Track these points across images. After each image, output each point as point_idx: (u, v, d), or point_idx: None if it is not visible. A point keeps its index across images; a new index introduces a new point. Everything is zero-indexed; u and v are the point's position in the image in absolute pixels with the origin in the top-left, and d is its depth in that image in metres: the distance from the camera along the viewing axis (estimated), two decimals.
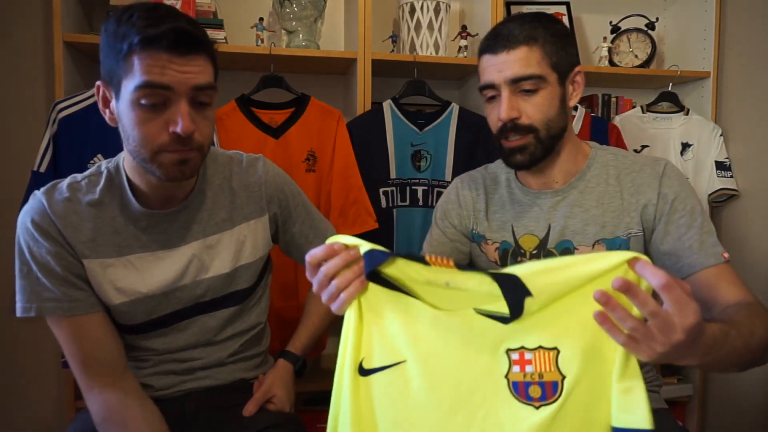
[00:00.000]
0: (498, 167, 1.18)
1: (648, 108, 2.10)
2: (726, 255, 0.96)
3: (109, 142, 1.48)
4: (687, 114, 2.07)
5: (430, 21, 1.81)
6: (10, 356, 1.80)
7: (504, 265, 1.10)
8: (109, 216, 0.99)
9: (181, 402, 1.06)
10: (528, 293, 0.68)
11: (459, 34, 1.93)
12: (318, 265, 0.75)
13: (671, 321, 0.63)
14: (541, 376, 0.72)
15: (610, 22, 2.13)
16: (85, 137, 1.51)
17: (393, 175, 1.77)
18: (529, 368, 0.72)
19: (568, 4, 2.11)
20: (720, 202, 2.04)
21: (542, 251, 1.06)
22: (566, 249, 1.05)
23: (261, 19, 1.79)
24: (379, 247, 0.73)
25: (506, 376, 0.73)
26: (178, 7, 1.58)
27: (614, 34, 2.10)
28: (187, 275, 1.03)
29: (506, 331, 0.73)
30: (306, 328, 1.21)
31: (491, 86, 1.02)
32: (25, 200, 1.00)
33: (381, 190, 1.77)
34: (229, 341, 1.10)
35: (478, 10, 2.01)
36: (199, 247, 1.04)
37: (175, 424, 1.02)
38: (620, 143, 1.95)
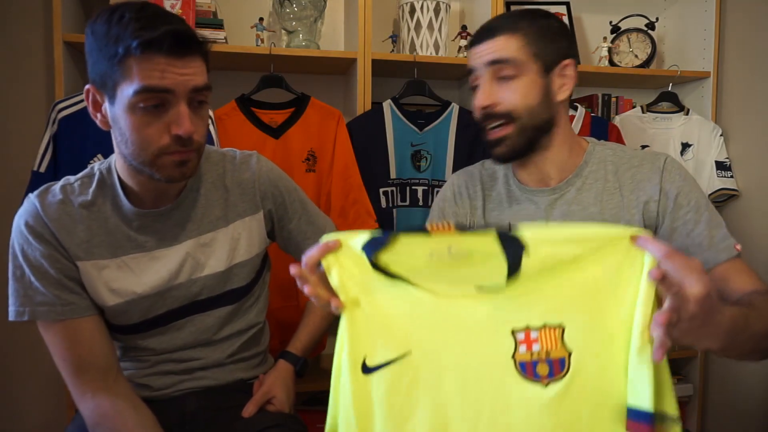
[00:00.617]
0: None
1: (648, 108, 2.09)
2: (738, 247, 0.95)
3: (109, 142, 1.45)
4: (687, 114, 2.07)
5: (430, 21, 1.81)
6: (10, 356, 1.80)
7: None
8: (102, 217, 0.98)
9: (180, 402, 1.06)
10: (522, 247, 0.69)
11: (459, 34, 1.93)
12: (315, 265, 0.75)
13: (684, 294, 0.63)
14: (548, 353, 0.72)
15: (610, 22, 2.12)
16: (86, 137, 1.50)
17: (393, 175, 1.77)
18: (535, 347, 0.72)
19: (568, 4, 2.11)
20: (720, 202, 2.03)
21: None
22: None
23: (261, 19, 1.78)
24: (377, 234, 0.72)
25: (513, 357, 0.73)
26: (178, 7, 1.58)
27: (614, 34, 2.10)
28: (182, 274, 1.03)
29: (510, 311, 0.73)
30: (306, 329, 1.21)
31: (472, 72, 1.04)
32: None
33: (381, 190, 1.76)
34: (227, 341, 1.10)
35: (478, 10, 2.01)
36: (194, 246, 1.03)
37: (175, 425, 1.02)
38: (620, 143, 1.94)
